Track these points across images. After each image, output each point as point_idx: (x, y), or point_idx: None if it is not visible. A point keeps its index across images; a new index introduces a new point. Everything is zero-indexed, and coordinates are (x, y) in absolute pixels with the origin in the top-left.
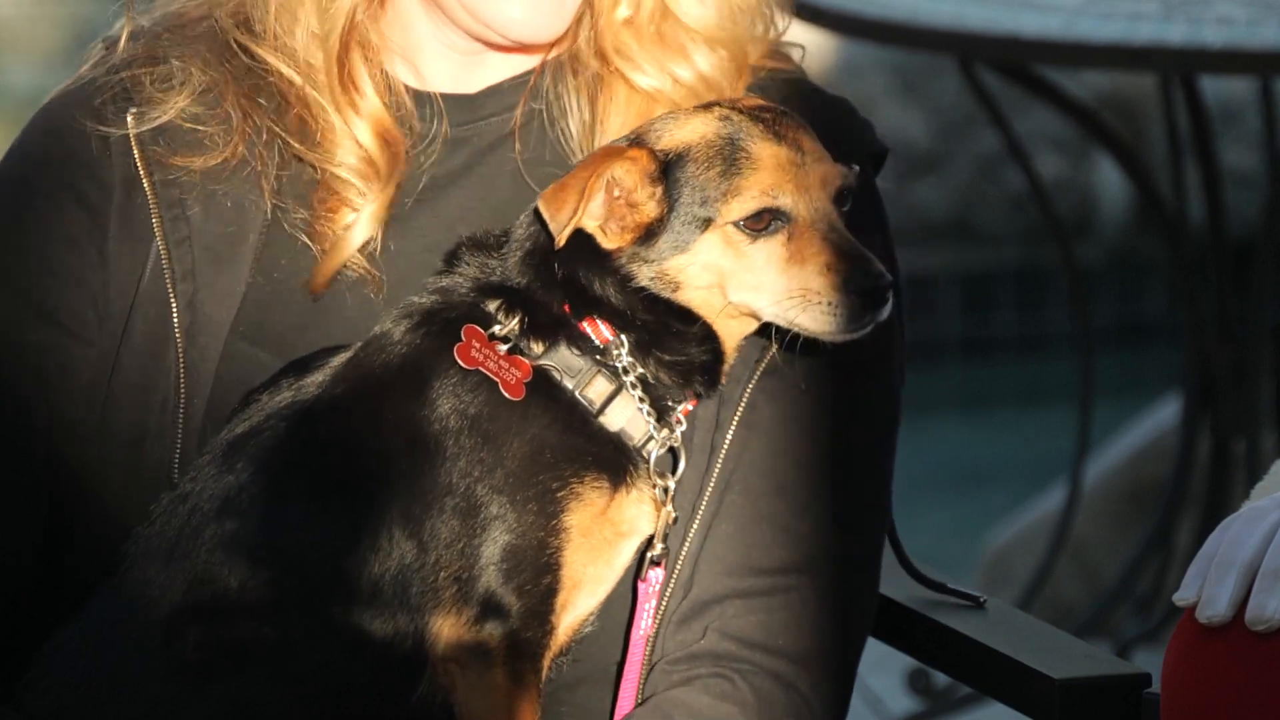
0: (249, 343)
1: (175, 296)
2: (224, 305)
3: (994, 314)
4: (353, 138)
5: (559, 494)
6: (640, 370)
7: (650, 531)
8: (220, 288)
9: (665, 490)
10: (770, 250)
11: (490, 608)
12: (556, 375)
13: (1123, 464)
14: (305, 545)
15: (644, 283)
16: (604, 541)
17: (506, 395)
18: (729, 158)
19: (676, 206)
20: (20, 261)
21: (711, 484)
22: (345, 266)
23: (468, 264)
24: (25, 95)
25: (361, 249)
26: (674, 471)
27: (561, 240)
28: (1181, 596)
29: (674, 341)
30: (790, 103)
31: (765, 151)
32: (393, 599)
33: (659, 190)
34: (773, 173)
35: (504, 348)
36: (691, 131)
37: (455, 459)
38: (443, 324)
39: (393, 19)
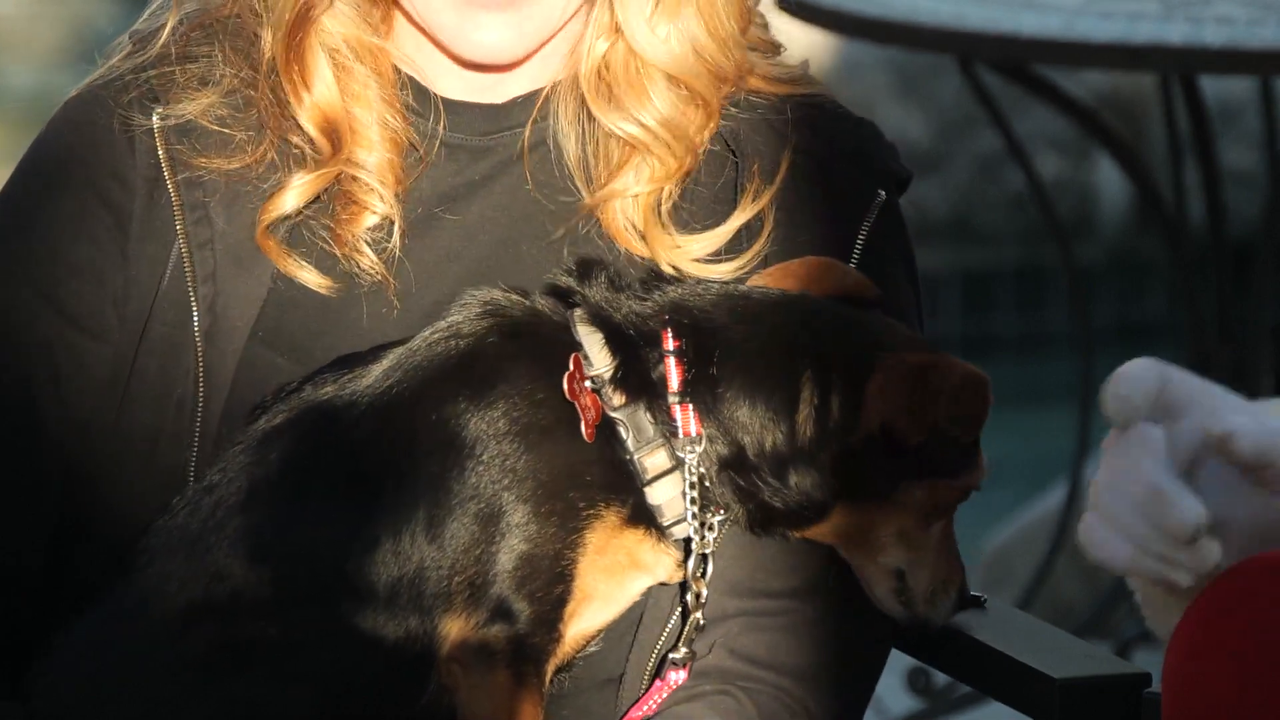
0: (266, 347)
1: (196, 300)
2: (244, 310)
3: (994, 314)
4: (368, 137)
5: (584, 511)
6: (703, 471)
7: (667, 578)
8: (241, 292)
9: (698, 596)
10: (930, 535)
11: (500, 612)
12: (623, 432)
13: None
14: (325, 543)
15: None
16: (618, 565)
17: (583, 432)
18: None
19: (931, 445)
20: (40, 258)
21: None
22: (363, 271)
23: (593, 288)
24: (25, 95)
25: (380, 254)
26: (704, 575)
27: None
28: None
29: (760, 486)
30: (816, 127)
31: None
32: (408, 602)
33: None
34: (983, 465)
35: (588, 384)
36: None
37: (489, 465)
38: (533, 335)
39: (405, 34)
